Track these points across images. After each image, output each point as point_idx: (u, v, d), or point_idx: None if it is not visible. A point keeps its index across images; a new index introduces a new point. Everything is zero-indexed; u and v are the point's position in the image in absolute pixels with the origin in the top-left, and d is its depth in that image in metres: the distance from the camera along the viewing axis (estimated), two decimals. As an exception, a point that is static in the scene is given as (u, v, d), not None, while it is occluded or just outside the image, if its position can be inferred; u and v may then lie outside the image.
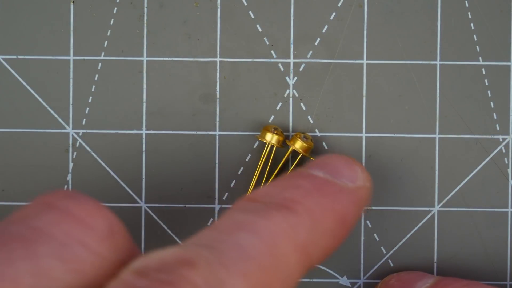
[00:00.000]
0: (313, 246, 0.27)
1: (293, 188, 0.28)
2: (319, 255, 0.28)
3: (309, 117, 0.36)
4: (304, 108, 0.36)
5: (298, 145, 0.35)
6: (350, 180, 0.30)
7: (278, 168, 0.36)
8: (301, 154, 0.35)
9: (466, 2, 0.36)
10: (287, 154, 0.36)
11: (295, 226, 0.27)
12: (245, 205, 0.28)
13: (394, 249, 0.36)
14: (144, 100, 0.36)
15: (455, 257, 0.36)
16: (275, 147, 0.35)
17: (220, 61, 0.36)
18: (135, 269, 0.23)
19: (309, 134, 0.36)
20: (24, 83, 0.36)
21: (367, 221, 0.36)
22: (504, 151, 0.36)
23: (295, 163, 0.36)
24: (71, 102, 0.36)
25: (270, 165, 0.36)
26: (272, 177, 0.36)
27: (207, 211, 0.36)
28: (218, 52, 0.36)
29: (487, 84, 0.36)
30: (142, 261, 0.23)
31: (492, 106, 0.36)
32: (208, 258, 0.24)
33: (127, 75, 0.36)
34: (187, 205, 0.36)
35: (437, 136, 0.36)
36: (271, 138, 0.35)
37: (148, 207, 0.36)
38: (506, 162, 0.36)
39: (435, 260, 0.36)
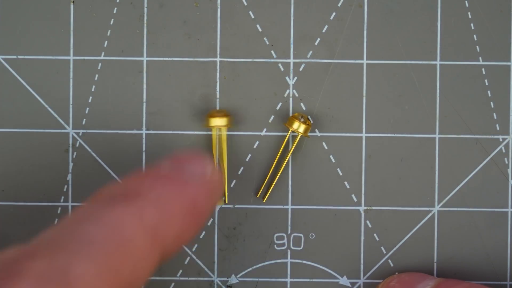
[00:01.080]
0: (163, 229, 0.27)
1: (140, 178, 0.28)
2: (172, 239, 0.27)
3: (309, 117, 0.36)
4: (304, 108, 0.36)
5: (296, 126, 0.35)
6: (197, 171, 0.29)
7: (279, 152, 0.36)
8: (299, 135, 0.35)
9: (466, 2, 0.36)
10: (286, 138, 0.36)
11: (141, 210, 0.27)
12: (92, 199, 0.27)
13: (394, 249, 0.36)
14: (144, 100, 0.36)
15: (455, 257, 0.36)
16: (299, 135, 0.35)
17: (220, 61, 0.36)
18: None
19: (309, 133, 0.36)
20: (24, 83, 0.36)
21: (367, 221, 0.36)
22: (504, 151, 0.36)
23: (294, 144, 0.36)
24: (71, 102, 0.36)
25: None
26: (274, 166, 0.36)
27: (207, 211, 0.36)
28: (218, 52, 0.36)
29: (487, 84, 0.36)
30: None
31: (492, 106, 0.36)
32: (50, 247, 0.25)
33: (127, 75, 0.36)
34: (187, 205, 0.36)
35: (437, 136, 0.36)
36: (298, 126, 0.35)
37: (148, 207, 0.36)
38: (506, 162, 0.36)
39: (435, 260, 0.36)
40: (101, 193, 0.28)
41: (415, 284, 0.34)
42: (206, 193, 0.29)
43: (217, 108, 0.36)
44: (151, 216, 0.27)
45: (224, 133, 0.35)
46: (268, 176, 0.36)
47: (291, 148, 0.35)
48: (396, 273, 0.36)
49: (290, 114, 0.36)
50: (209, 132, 0.36)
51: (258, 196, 0.36)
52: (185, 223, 0.28)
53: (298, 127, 0.35)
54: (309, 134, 0.36)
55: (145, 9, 0.36)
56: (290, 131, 0.35)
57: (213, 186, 0.30)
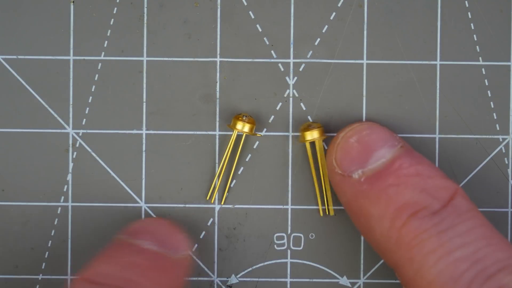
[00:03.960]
0: None
1: (130, 266, 0.31)
2: None
3: (309, 117, 0.36)
4: (304, 108, 0.36)
5: (240, 126, 0.35)
6: (178, 251, 0.33)
7: (226, 153, 0.36)
8: (244, 135, 0.35)
9: (466, 2, 0.36)
10: (232, 139, 0.36)
11: None
12: None
13: (394, 249, 0.36)
14: (144, 100, 0.36)
15: (455, 257, 0.36)
16: (244, 135, 0.35)
17: (220, 61, 0.36)
18: None
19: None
20: (24, 83, 0.36)
21: (367, 221, 0.36)
22: (504, 151, 0.36)
23: (241, 144, 0.36)
24: (71, 102, 0.36)
25: (230, 153, 0.36)
26: (224, 163, 0.36)
27: (207, 211, 0.36)
28: (218, 52, 0.36)
29: (487, 84, 0.36)
30: None
31: (492, 106, 0.36)
32: None
33: (127, 75, 0.36)
34: (187, 205, 0.36)
35: (437, 136, 0.36)
36: (242, 126, 0.35)
37: (148, 207, 0.36)
38: (506, 162, 0.36)
39: (435, 260, 0.36)
40: (95, 278, 0.31)
41: (373, 151, 0.33)
42: (185, 273, 0.33)
43: (217, 108, 0.36)
44: None
45: (320, 145, 0.35)
46: (220, 178, 0.36)
47: (234, 133, 0.35)
48: (357, 123, 0.34)
49: (290, 114, 0.36)
50: (209, 132, 0.36)
51: (207, 198, 0.36)
52: None
53: (243, 127, 0.35)
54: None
55: (145, 9, 0.36)
56: (235, 132, 0.35)
57: (189, 263, 0.34)
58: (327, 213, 0.36)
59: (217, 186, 0.36)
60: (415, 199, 0.31)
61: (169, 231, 0.33)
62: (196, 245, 0.36)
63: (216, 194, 0.36)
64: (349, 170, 0.33)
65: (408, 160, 0.32)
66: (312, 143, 0.35)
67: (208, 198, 0.36)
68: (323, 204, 0.36)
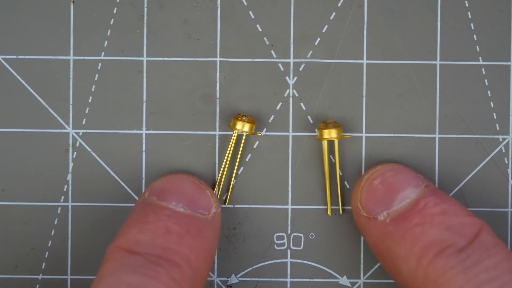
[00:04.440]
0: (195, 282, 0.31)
1: (164, 233, 0.31)
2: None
3: (309, 117, 0.36)
4: (304, 108, 0.36)
5: (240, 126, 0.35)
6: (207, 210, 0.33)
7: (228, 154, 0.36)
8: (244, 135, 0.35)
9: (466, 2, 0.36)
10: (232, 140, 0.36)
11: (180, 282, 0.30)
12: (127, 260, 0.30)
13: (394, 249, 0.36)
14: (144, 100, 0.36)
15: (455, 257, 0.36)
16: (244, 134, 0.35)
17: (220, 61, 0.36)
18: None
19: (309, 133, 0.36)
20: (24, 83, 0.36)
21: (367, 221, 0.36)
22: (504, 151, 0.36)
23: (241, 144, 0.36)
24: (71, 102, 0.36)
25: (232, 153, 0.36)
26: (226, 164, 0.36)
27: (207, 211, 0.36)
28: (218, 52, 0.36)
29: (487, 84, 0.36)
30: None
31: (492, 106, 0.36)
32: None
33: (127, 75, 0.36)
34: (187, 205, 0.36)
35: (437, 136, 0.36)
36: (242, 126, 0.35)
37: (148, 207, 0.36)
38: (506, 162, 0.36)
39: (435, 260, 0.36)
40: (132, 247, 0.31)
41: (398, 192, 0.33)
42: (216, 233, 0.33)
43: (217, 108, 0.36)
44: (187, 285, 0.31)
45: (336, 145, 0.36)
46: (223, 179, 0.36)
47: (234, 133, 0.35)
48: (380, 165, 0.34)
49: (290, 114, 0.36)
50: (209, 132, 0.36)
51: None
52: (207, 275, 0.32)
53: (243, 127, 0.35)
54: (310, 134, 0.36)
55: (145, 9, 0.36)
56: (235, 132, 0.35)
57: (219, 222, 0.34)
58: (341, 212, 0.36)
59: (220, 187, 0.36)
60: (441, 237, 0.31)
61: (196, 188, 0.33)
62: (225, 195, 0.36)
63: (219, 195, 0.36)
64: (375, 212, 0.33)
65: (433, 199, 0.32)
66: (327, 142, 0.35)
67: None
68: (333, 203, 0.36)
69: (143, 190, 0.36)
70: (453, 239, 0.31)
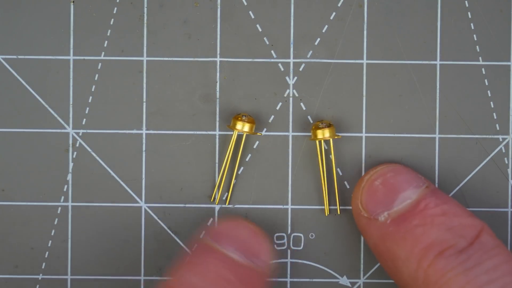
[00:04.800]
0: None
1: (218, 281, 0.31)
2: None
3: (309, 117, 0.36)
4: (304, 108, 0.36)
5: (240, 126, 0.35)
6: (264, 261, 0.33)
7: (228, 154, 0.36)
8: (244, 135, 0.35)
9: (466, 2, 0.36)
10: (232, 140, 0.36)
11: None
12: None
13: (394, 249, 0.36)
14: (144, 100, 0.36)
15: (455, 257, 0.36)
16: (244, 134, 0.35)
17: (220, 61, 0.36)
18: None
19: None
20: (24, 83, 0.36)
21: (367, 221, 0.36)
22: (504, 151, 0.36)
23: (242, 144, 0.36)
24: (71, 102, 0.36)
25: (232, 153, 0.36)
26: (227, 164, 0.36)
27: (207, 211, 0.36)
28: (218, 52, 0.36)
29: (487, 84, 0.36)
30: None
31: (492, 106, 0.36)
32: None
33: (127, 75, 0.36)
34: (187, 205, 0.36)
35: (437, 136, 0.36)
36: (242, 126, 0.35)
37: (148, 207, 0.36)
38: (506, 162, 0.36)
39: (435, 260, 0.36)
40: None
41: (398, 192, 0.33)
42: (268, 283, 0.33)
43: (217, 108, 0.36)
44: None
45: (331, 145, 0.36)
46: (223, 179, 0.36)
47: (234, 133, 0.35)
48: (381, 166, 0.34)
49: (290, 114, 0.36)
50: (209, 132, 0.36)
51: (212, 200, 0.36)
52: None
53: (243, 127, 0.35)
54: (310, 134, 0.36)
55: (145, 9, 0.36)
56: (235, 132, 0.35)
57: (270, 272, 0.33)
58: (338, 212, 0.36)
59: (221, 187, 0.36)
60: (442, 238, 0.31)
61: (252, 235, 0.33)
62: (196, 245, 0.36)
63: (219, 195, 0.36)
64: (375, 213, 0.33)
65: (434, 200, 0.32)
66: (320, 142, 0.35)
67: (212, 199, 0.36)
68: (330, 203, 0.36)
69: (143, 190, 0.36)
70: (454, 240, 0.31)
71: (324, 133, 0.35)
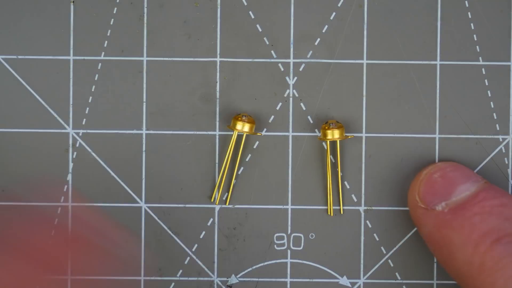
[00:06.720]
0: None
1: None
2: None
3: (309, 117, 0.36)
4: (304, 108, 0.36)
5: (240, 126, 0.35)
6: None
7: (228, 154, 0.36)
8: (244, 135, 0.35)
9: (466, 2, 0.36)
10: (233, 140, 0.36)
11: None
12: None
13: (394, 249, 0.36)
14: (144, 100, 0.36)
15: (455, 257, 0.36)
16: (244, 134, 0.35)
17: (220, 61, 0.36)
18: None
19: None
20: (24, 83, 0.36)
21: (367, 221, 0.36)
22: (504, 151, 0.36)
23: (242, 144, 0.36)
24: (71, 102, 0.36)
25: (232, 153, 0.36)
26: (227, 163, 0.36)
27: (207, 211, 0.36)
28: (218, 52, 0.36)
29: (487, 84, 0.36)
30: None
31: (492, 106, 0.36)
32: None
33: (127, 75, 0.36)
34: (187, 205, 0.36)
35: (437, 136, 0.36)
36: (242, 126, 0.35)
37: (148, 207, 0.36)
38: (506, 162, 0.36)
39: (435, 260, 0.36)
40: None
41: (457, 185, 0.34)
42: None
43: (217, 108, 0.36)
44: None
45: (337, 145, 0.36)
46: (223, 179, 0.36)
47: (234, 134, 0.35)
48: (440, 162, 0.35)
49: (290, 114, 0.36)
50: (209, 132, 0.36)
51: (212, 200, 0.36)
52: None
53: (243, 127, 0.35)
54: (310, 134, 0.36)
55: (145, 9, 0.36)
56: (235, 132, 0.35)
57: None
58: (341, 212, 0.36)
59: (221, 187, 0.36)
60: (500, 226, 0.32)
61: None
62: (196, 245, 0.36)
63: (219, 195, 0.36)
64: (433, 203, 0.33)
65: (492, 192, 0.33)
66: (327, 142, 0.35)
67: (212, 200, 0.36)
68: (335, 204, 0.36)
69: (143, 190, 0.36)
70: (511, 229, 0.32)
71: (333, 134, 0.35)
